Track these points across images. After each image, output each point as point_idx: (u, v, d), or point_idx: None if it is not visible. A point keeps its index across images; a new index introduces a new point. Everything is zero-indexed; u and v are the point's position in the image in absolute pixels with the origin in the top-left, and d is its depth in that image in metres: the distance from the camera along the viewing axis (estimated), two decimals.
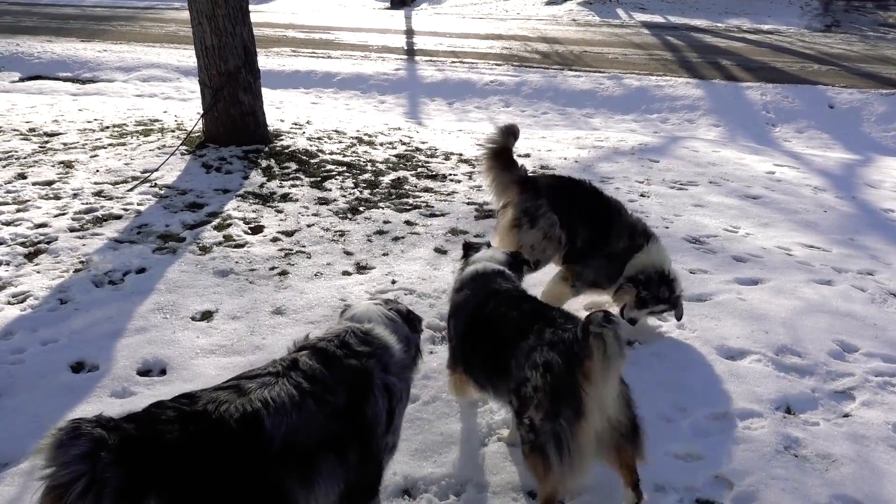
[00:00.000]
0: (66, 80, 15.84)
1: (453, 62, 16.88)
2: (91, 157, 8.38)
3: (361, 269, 5.79)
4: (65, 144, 8.99)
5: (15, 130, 9.66)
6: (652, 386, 4.13)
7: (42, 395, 3.98)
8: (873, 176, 9.53)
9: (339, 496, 2.55)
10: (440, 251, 6.14)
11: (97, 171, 7.86)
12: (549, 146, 9.93)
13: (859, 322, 5.03)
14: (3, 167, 7.96)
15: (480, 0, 27.79)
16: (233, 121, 8.42)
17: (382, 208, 7.07)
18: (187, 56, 16.21)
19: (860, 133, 12.88)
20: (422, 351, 3.35)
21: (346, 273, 5.70)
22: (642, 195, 7.71)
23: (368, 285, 5.46)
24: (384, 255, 6.06)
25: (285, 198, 7.24)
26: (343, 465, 2.52)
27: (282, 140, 9.01)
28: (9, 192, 7.18)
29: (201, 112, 8.75)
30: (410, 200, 7.32)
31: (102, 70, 16.35)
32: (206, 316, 4.98)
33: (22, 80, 15.79)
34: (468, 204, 7.27)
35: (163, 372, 4.33)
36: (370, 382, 2.69)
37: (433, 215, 6.93)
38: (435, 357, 4.49)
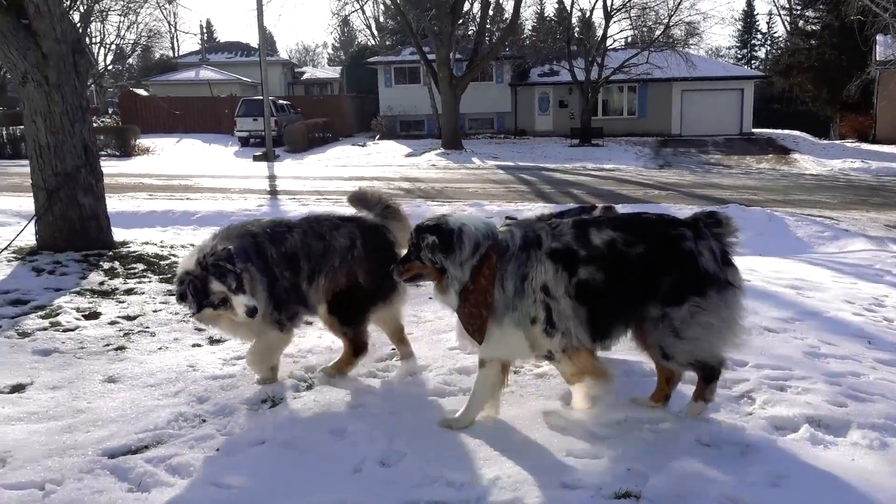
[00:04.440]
0: None
1: (318, 199, 16.87)
2: None
3: (214, 342, 5.11)
4: None
5: None
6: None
7: None
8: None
9: None
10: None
11: None
12: None
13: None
14: None
15: (343, 155, 28.68)
16: (71, 225, 7.68)
17: None
18: (30, 202, 15.20)
19: None
20: None
21: (196, 345, 5.00)
22: None
23: (221, 353, 4.79)
24: None
25: (130, 292, 6.48)
26: None
27: (129, 247, 8.29)
28: None
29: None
30: None
31: None
32: (17, 389, 4.11)
33: None
34: None
35: None
36: None
37: None
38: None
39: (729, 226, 3.40)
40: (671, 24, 33.21)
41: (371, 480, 3.08)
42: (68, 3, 7.60)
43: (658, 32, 33.57)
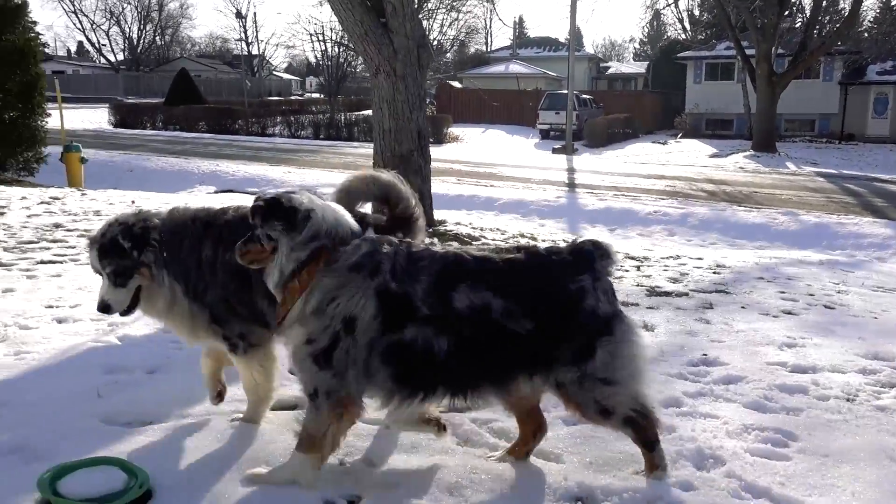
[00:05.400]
0: (253, 194, 17.37)
1: (615, 194, 16.80)
2: None
3: None
4: None
5: None
6: None
7: (193, 375, 3.83)
8: None
9: None
10: None
11: None
12: (724, 255, 9.30)
13: None
14: None
15: (642, 152, 28.10)
16: None
17: None
18: None
19: None
20: None
21: None
22: (839, 293, 6.84)
23: None
24: None
25: None
26: None
27: (445, 226, 9.08)
28: None
29: None
30: None
31: (285, 187, 17.78)
32: None
33: (217, 192, 17.53)
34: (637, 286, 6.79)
35: None
36: None
37: None
38: None
39: (614, 257, 2.88)
40: None
41: None
42: (416, 2, 8.62)
43: None
